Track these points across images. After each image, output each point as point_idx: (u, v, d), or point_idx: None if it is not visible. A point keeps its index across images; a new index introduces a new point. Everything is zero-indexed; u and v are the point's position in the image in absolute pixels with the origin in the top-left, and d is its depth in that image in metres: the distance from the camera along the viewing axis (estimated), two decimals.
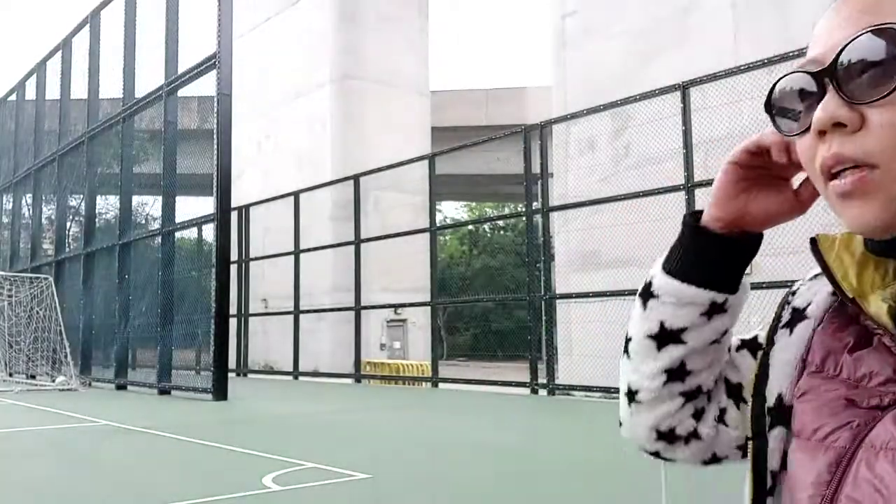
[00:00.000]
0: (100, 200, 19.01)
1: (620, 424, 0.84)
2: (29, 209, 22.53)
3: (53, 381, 16.43)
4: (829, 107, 0.58)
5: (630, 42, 14.67)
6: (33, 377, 17.88)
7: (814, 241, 0.68)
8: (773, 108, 0.65)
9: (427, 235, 16.45)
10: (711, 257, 0.74)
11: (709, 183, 11.04)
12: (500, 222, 39.65)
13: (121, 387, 15.76)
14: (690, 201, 11.10)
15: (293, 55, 25.25)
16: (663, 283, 0.76)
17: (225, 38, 13.32)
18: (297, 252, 19.70)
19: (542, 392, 13.21)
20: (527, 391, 13.52)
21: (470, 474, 5.82)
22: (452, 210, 45.17)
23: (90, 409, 11.22)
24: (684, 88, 11.42)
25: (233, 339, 16.66)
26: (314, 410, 11.46)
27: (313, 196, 20.04)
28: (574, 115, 13.94)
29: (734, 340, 0.82)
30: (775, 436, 0.66)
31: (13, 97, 23.88)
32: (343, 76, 24.11)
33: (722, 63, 11.64)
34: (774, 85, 0.64)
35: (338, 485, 5.36)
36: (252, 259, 21.47)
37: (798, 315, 0.70)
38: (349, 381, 17.92)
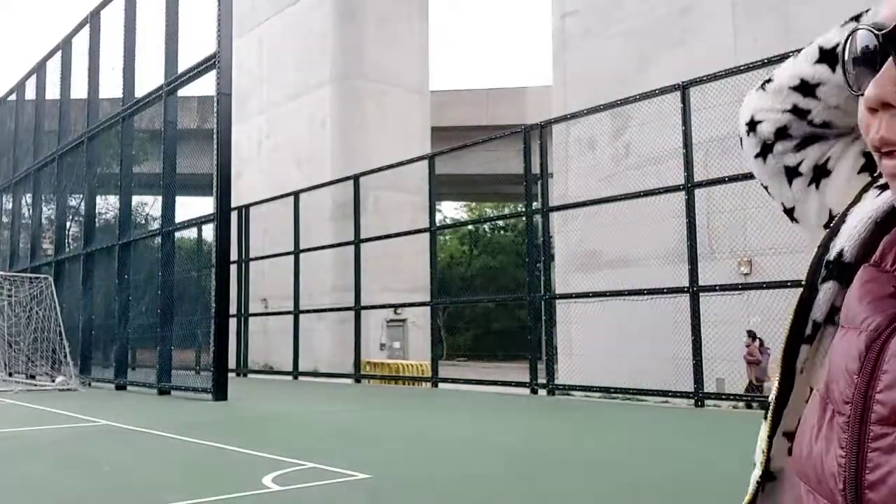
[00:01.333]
0: (99, 200, 19.00)
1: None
2: (29, 209, 22.52)
3: (53, 381, 16.43)
4: (882, 83, 0.55)
5: (630, 42, 14.67)
6: (33, 377, 17.88)
7: None
8: (843, 62, 0.63)
9: (427, 235, 16.44)
10: None
11: (709, 183, 11.12)
12: (500, 222, 39.69)
13: (120, 387, 15.76)
14: (690, 201, 11.10)
15: (293, 55, 25.26)
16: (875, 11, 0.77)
17: (225, 37, 13.32)
18: (296, 252, 19.69)
19: (542, 392, 13.21)
20: (526, 391, 13.52)
21: (470, 474, 5.82)
22: (452, 210, 45.20)
23: (90, 409, 11.22)
24: (684, 88, 11.42)
25: (233, 339, 16.66)
26: (314, 410, 11.46)
27: (313, 196, 20.04)
28: (574, 115, 13.95)
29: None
30: (827, 288, 0.66)
31: (13, 97, 23.87)
32: (343, 76, 24.11)
33: (722, 63, 11.64)
34: (847, 40, 0.63)
35: (337, 485, 5.35)
36: (252, 259, 21.46)
37: None
38: (349, 381, 17.91)
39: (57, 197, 20.30)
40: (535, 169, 13.94)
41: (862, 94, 0.60)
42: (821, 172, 0.78)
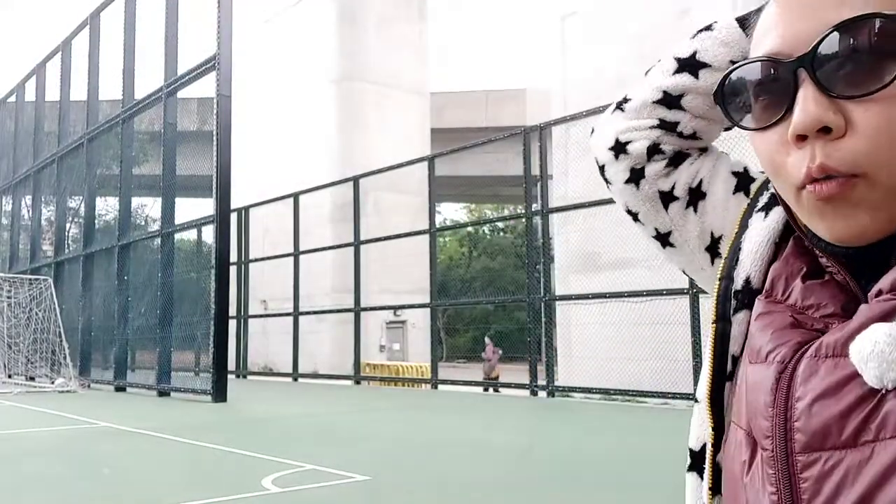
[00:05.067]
0: (99, 202, 19.00)
1: (592, 131, 0.85)
2: (28, 210, 22.52)
3: (52, 382, 16.42)
4: (812, 108, 0.53)
5: (630, 43, 14.67)
6: (32, 379, 17.86)
7: None
8: (725, 97, 0.61)
9: (427, 237, 16.45)
10: None
11: None
12: (500, 224, 39.69)
13: (120, 388, 15.75)
14: None
15: (293, 56, 25.26)
16: (727, 21, 0.78)
17: (225, 39, 13.32)
18: (296, 253, 19.70)
19: (542, 394, 13.21)
20: (526, 392, 13.52)
21: (470, 475, 5.82)
22: (452, 212, 45.20)
23: (89, 410, 11.21)
24: None
25: (232, 341, 16.65)
26: (313, 412, 11.45)
27: (313, 197, 20.04)
28: (574, 117, 13.95)
29: (734, 161, 0.80)
30: (740, 319, 0.65)
31: (13, 98, 23.88)
32: (343, 77, 24.11)
33: None
34: (729, 73, 0.61)
35: (337, 486, 5.35)
36: (252, 260, 21.46)
37: (776, 200, 0.68)
38: (348, 382, 17.91)
39: (57, 198, 20.30)
40: (535, 171, 13.94)
41: (761, 129, 0.58)
42: (696, 195, 0.77)
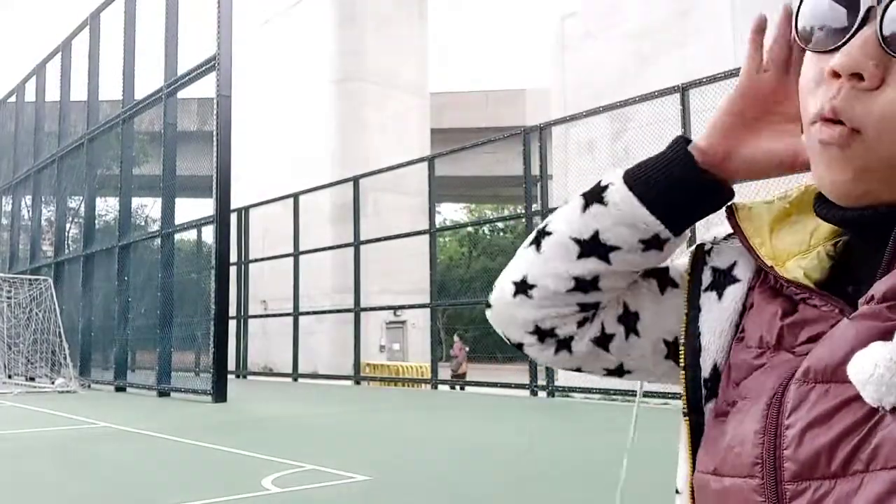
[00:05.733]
0: (99, 202, 19.00)
1: (489, 306, 0.77)
2: (28, 211, 22.52)
3: (53, 382, 16.41)
4: (856, 52, 0.51)
5: (629, 44, 14.68)
6: (32, 379, 17.86)
7: (730, 210, 0.65)
8: (798, 13, 0.59)
9: (426, 237, 16.45)
10: (678, 192, 0.67)
11: None
12: (500, 224, 39.65)
13: (120, 389, 15.75)
14: None
15: (293, 56, 25.27)
16: (621, 195, 0.68)
17: (225, 39, 13.32)
18: (296, 254, 19.70)
19: (542, 394, 13.21)
20: (526, 393, 13.52)
21: (470, 475, 5.82)
22: (452, 212, 45.19)
23: (89, 411, 11.21)
24: (683, 90, 11.41)
25: (232, 341, 16.64)
26: (313, 412, 11.46)
27: (313, 198, 20.04)
28: (573, 117, 13.95)
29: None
30: (711, 409, 0.63)
31: (13, 98, 23.88)
32: (343, 77, 24.12)
33: (721, 65, 11.65)
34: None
35: (337, 487, 5.35)
36: (251, 261, 21.46)
37: (725, 277, 0.67)
38: (348, 382, 17.91)
39: (57, 199, 20.30)
40: (535, 171, 13.94)
41: (817, 52, 0.56)
42: (629, 319, 0.73)
